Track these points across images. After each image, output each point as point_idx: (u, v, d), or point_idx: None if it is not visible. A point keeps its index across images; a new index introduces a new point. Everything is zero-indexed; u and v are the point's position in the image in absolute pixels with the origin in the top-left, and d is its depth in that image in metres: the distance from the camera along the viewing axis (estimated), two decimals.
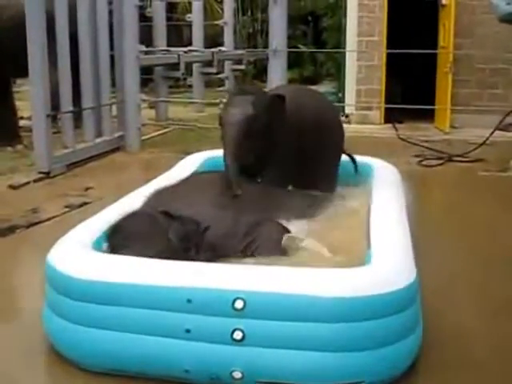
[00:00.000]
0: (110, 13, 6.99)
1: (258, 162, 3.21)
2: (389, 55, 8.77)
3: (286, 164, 3.27)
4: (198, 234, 2.69)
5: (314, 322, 2.07)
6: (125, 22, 6.93)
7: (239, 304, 2.07)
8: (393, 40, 8.66)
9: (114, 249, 2.55)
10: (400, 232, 2.70)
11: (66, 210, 4.58)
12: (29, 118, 6.70)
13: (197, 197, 2.92)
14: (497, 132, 6.43)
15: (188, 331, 2.11)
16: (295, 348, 2.09)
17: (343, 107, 9.27)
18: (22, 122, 7.51)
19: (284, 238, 2.79)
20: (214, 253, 2.65)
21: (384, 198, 3.15)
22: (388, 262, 2.34)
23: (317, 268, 2.32)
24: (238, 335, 2.07)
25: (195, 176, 3.41)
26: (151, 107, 9.27)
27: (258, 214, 2.91)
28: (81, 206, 4.67)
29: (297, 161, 3.31)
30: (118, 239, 2.58)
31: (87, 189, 5.16)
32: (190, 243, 2.64)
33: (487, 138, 6.34)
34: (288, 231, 2.87)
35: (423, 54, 7.98)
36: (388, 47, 8.77)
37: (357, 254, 2.59)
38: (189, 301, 2.11)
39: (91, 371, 2.27)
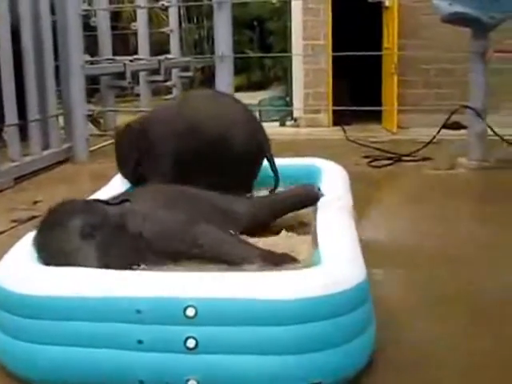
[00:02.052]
0: (54, 22, 6.91)
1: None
2: (335, 58, 8.85)
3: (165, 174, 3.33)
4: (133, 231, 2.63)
5: (267, 325, 2.06)
6: (68, 32, 6.86)
7: (191, 312, 2.04)
8: (339, 43, 8.74)
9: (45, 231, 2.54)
10: (348, 233, 2.70)
11: (14, 224, 4.49)
12: None
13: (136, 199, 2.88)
14: (444, 131, 6.51)
15: (140, 342, 2.07)
16: (250, 353, 2.07)
17: (291, 111, 9.33)
18: None
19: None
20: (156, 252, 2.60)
21: (331, 199, 3.16)
22: (337, 262, 2.34)
23: (267, 271, 2.32)
24: (191, 343, 2.05)
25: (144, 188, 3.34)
26: (97, 118, 9.18)
27: (199, 214, 2.87)
28: (29, 219, 4.58)
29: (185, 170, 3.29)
30: (56, 219, 2.58)
31: (36, 202, 5.07)
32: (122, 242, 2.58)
33: (434, 137, 6.42)
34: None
35: (369, 55, 8.07)
36: (334, 50, 8.85)
37: (304, 256, 2.60)
38: (138, 311, 2.07)
39: None
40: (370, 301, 2.34)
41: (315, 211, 3.03)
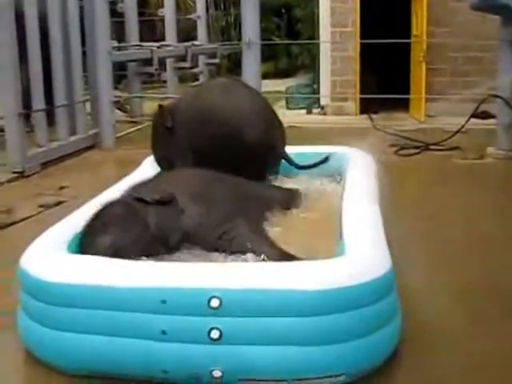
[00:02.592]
0: (81, 8, 6.92)
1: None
2: (363, 45, 8.78)
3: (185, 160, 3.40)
4: (175, 218, 2.66)
5: (290, 316, 2.05)
6: (96, 18, 6.87)
7: (215, 302, 2.03)
8: (367, 30, 8.66)
9: (91, 240, 2.53)
10: (373, 222, 2.67)
11: (41, 209, 4.52)
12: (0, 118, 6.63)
13: (172, 188, 2.88)
14: (472, 120, 6.44)
15: (164, 332, 2.07)
16: (274, 344, 2.06)
17: (318, 99, 9.28)
18: None
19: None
20: (188, 240, 2.64)
21: (356, 187, 3.13)
22: (362, 252, 2.32)
23: (291, 262, 2.30)
24: (215, 334, 2.04)
25: (170, 172, 3.40)
26: (124, 104, 9.20)
27: (234, 204, 2.89)
28: (56, 205, 4.61)
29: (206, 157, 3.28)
30: (95, 229, 2.57)
31: (62, 188, 5.10)
32: (168, 229, 2.62)
33: (463, 126, 6.35)
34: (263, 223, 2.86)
35: (397, 43, 7.99)
36: (362, 37, 8.77)
37: (329, 246, 2.58)
38: (163, 301, 2.07)
39: (70, 374, 2.23)
40: (395, 291, 2.32)
41: (341, 200, 3.01)
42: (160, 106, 3.58)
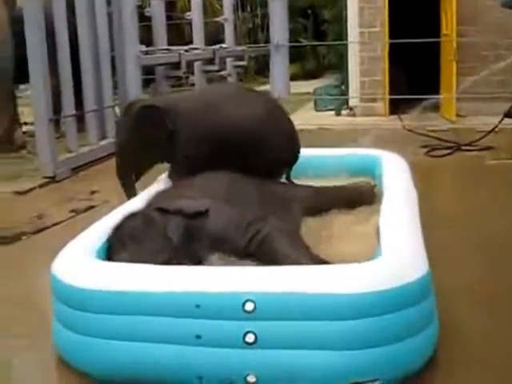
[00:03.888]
0: (109, 14, 6.96)
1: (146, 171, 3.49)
2: (392, 45, 8.71)
3: (188, 167, 3.23)
4: (198, 226, 2.57)
5: (326, 320, 2.02)
6: (124, 23, 6.91)
7: (249, 306, 2.02)
8: (395, 30, 8.60)
9: (112, 255, 2.49)
10: (410, 224, 2.64)
11: (72, 214, 4.54)
12: (31, 123, 6.68)
13: (195, 192, 2.85)
14: (505, 119, 6.35)
15: (199, 337, 2.06)
16: (309, 348, 2.04)
17: (347, 100, 9.22)
18: (24, 127, 7.48)
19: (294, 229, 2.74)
20: (215, 246, 2.55)
21: (393, 189, 3.09)
22: (399, 254, 2.29)
23: (326, 265, 2.27)
24: (250, 338, 2.02)
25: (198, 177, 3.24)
26: None
27: (260, 206, 2.85)
28: (87, 210, 4.63)
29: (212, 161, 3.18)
30: (115, 244, 2.53)
31: (93, 192, 5.12)
32: (192, 239, 2.54)
33: (496, 126, 6.27)
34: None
35: (426, 42, 7.91)
36: (390, 37, 8.70)
37: (366, 248, 2.55)
38: (197, 306, 2.06)
39: (103, 381, 2.22)
40: (432, 294, 2.28)
41: (378, 202, 2.99)
42: (151, 107, 3.31)
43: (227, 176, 3.05)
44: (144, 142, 3.29)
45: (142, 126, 3.28)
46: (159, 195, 2.95)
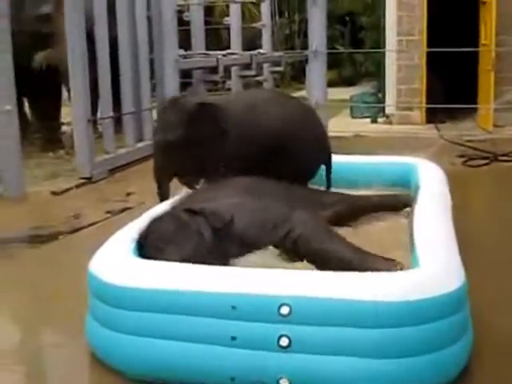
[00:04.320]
0: (149, 18, 7.03)
1: (192, 171, 3.35)
2: (429, 54, 8.66)
3: (232, 166, 3.24)
4: (228, 226, 2.61)
5: (361, 327, 2.02)
6: (164, 27, 6.97)
7: (285, 310, 2.03)
8: (433, 38, 8.55)
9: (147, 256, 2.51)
10: (446, 234, 2.63)
11: (108, 215, 4.58)
12: (69, 124, 6.76)
13: (219, 194, 2.89)
14: None
15: (234, 338, 2.07)
16: (343, 354, 2.04)
17: (383, 108, 9.18)
18: (62, 128, 7.58)
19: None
20: (245, 244, 2.60)
21: (429, 198, 3.08)
22: (436, 264, 2.28)
23: (363, 272, 2.27)
24: (284, 342, 2.03)
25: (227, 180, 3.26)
26: None
27: (282, 204, 2.86)
28: (122, 211, 4.67)
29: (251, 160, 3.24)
30: (150, 245, 2.55)
31: (129, 194, 5.16)
32: (223, 236, 2.58)
33: None
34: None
35: (465, 52, 7.86)
36: (428, 46, 8.65)
37: (400, 256, 2.54)
38: (233, 307, 2.07)
39: (136, 380, 2.24)
40: (467, 305, 2.27)
41: (412, 212, 2.98)
42: (206, 105, 3.31)
43: (256, 180, 3.10)
44: (196, 139, 3.24)
45: (197, 122, 3.23)
46: (188, 198, 2.97)
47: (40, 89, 6.98)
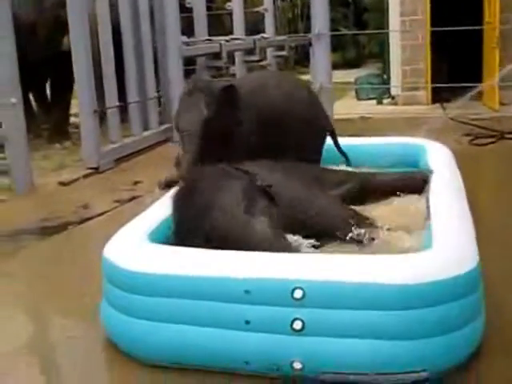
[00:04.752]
0: (151, 6, 7.01)
1: (218, 154, 3.21)
2: (433, 33, 8.62)
3: (250, 146, 3.25)
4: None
5: (373, 310, 2.04)
6: (166, 14, 6.94)
7: (298, 293, 2.04)
8: (437, 18, 8.50)
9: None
10: (460, 215, 2.62)
11: (116, 204, 4.60)
12: (75, 115, 6.76)
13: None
14: None
15: (247, 322, 2.09)
16: (356, 337, 2.05)
17: (389, 89, 9.15)
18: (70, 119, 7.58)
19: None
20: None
21: (441, 179, 3.07)
22: (450, 246, 2.28)
23: (375, 255, 2.27)
24: (297, 325, 2.04)
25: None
26: None
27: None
28: (130, 200, 4.68)
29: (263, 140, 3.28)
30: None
31: (136, 183, 5.17)
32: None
33: None
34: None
35: (469, 30, 7.81)
36: (432, 25, 8.61)
37: (416, 238, 2.54)
38: (247, 292, 2.09)
39: (151, 365, 2.26)
40: (481, 287, 2.26)
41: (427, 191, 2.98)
42: (232, 87, 3.32)
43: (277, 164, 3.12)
44: (224, 123, 3.23)
45: (225, 105, 3.24)
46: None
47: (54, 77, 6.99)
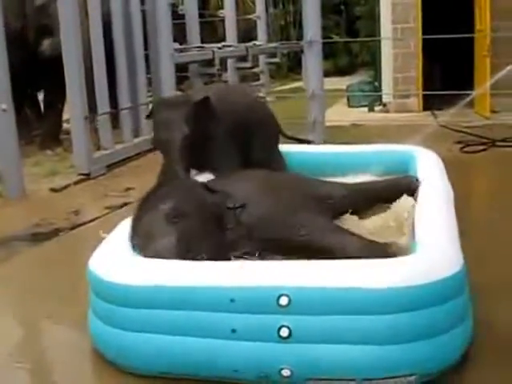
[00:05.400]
0: (143, 12, 7.02)
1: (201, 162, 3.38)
2: (425, 41, 8.65)
3: (228, 153, 3.44)
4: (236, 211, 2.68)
5: (360, 314, 2.03)
6: (158, 21, 6.96)
7: (284, 300, 2.03)
8: (429, 25, 8.54)
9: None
10: (446, 220, 2.62)
11: (108, 211, 4.59)
12: (67, 121, 6.75)
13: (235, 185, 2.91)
14: None
15: (234, 331, 2.08)
16: (343, 343, 2.05)
17: (380, 96, 9.18)
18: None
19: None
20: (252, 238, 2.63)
21: (429, 185, 3.08)
22: (434, 250, 2.28)
23: (360, 260, 2.28)
24: (284, 332, 2.04)
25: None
26: None
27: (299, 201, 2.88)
28: (122, 206, 4.68)
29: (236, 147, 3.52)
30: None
31: (127, 189, 5.17)
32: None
33: None
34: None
35: (460, 38, 7.84)
36: (424, 33, 8.64)
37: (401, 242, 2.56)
38: (232, 300, 2.08)
39: (139, 375, 2.26)
40: (467, 290, 2.27)
41: (413, 198, 2.99)
42: (207, 99, 3.33)
43: (263, 173, 3.14)
44: (201, 136, 3.29)
45: (201, 119, 3.27)
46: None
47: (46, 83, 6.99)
